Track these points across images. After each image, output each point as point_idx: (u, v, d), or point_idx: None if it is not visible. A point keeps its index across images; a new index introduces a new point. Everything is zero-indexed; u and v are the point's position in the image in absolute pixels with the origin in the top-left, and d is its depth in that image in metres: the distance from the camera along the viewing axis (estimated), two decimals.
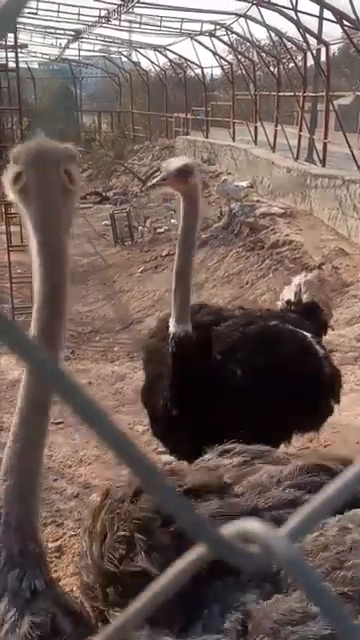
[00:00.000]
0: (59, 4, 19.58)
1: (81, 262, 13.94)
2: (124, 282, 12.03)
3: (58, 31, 24.50)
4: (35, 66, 34.71)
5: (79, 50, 29.37)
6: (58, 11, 20.10)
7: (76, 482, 4.37)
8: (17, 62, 10.51)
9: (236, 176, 17.00)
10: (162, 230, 14.82)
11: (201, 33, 20.68)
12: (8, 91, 12.83)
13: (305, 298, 3.50)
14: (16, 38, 10.32)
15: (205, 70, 24.17)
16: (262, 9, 15.62)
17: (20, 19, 17.23)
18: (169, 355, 2.82)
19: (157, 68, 28.30)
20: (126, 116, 31.61)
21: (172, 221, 15.59)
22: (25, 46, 13.14)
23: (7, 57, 10.96)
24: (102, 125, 33.17)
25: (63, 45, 27.77)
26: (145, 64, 29.49)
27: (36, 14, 20.27)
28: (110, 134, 29.70)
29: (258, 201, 13.21)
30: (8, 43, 10.49)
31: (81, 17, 20.62)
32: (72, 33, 24.35)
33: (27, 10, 19.51)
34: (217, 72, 27.30)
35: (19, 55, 11.06)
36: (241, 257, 10.68)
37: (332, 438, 4.53)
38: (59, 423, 5.36)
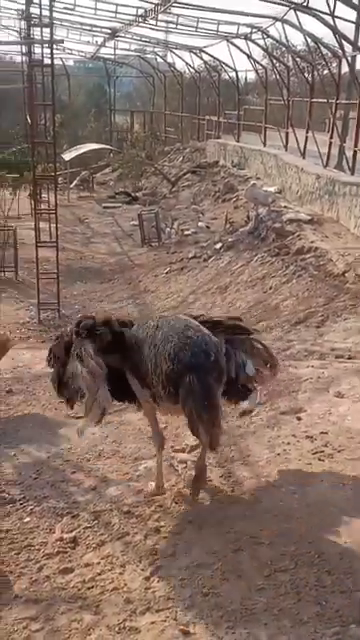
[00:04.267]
0: (96, 1, 19.74)
1: (108, 261, 14.11)
2: (149, 282, 12.14)
3: (94, 29, 24.69)
4: (70, 63, 35.04)
5: (115, 49, 29.58)
6: (95, 8, 20.24)
7: (93, 475, 4.46)
8: (52, 58, 10.62)
9: (265, 181, 17.00)
10: (189, 232, 14.92)
11: (237, 36, 20.70)
12: (43, 87, 13.05)
13: None
14: (52, 33, 10.45)
15: (239, 73, 24.21)
16: (299, 14, 15.60)
17: (57, 14, 17.40)
18: None
19: (191, 70, 28.38)
20: (158, 117, 31.75)
21: (199, 224, 15.68)
22: (61, 42, 13.26)
23: (43, 53, 11.09)
24: (134, 125, 33.38)
25: (99, 43, 28.00)
26: (180, 65, 29.62)
27: (73, 10, 20.44)
28: (142, 134, 29.88)
29: (285, 207, 13.21)
30: (44, 38, 10.62)
31: (118, 15, 20.74)
32: (108, 31, 24.53)
33: (63, 5, 19.75)
34: (251, 76, 27.25)
35: (55, 51, 11.18)
36: (266, 262, 10.71)
37: (347, 444, 4.56)
38: (79, 417, 5.48)
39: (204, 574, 3.30)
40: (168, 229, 15.62)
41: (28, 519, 3.97)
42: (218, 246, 12.48)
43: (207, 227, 15.35)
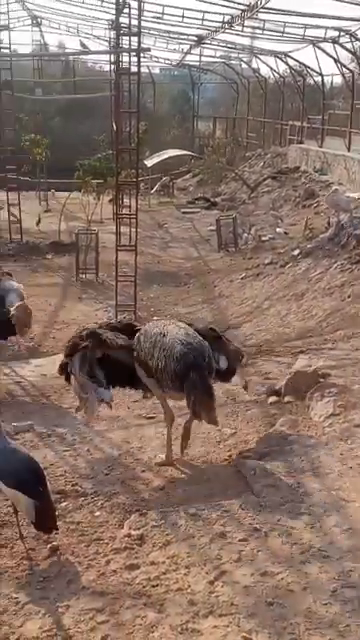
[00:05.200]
0: (184, 9, 20.03)
1: (184, 265, 14.23)
2: (224, 287, 12.14)
3: (181, 36, 25.06)
4: (156, 71, 35.72)
5: (200, 56, 29.88)
6: (182, 16, 20.54)
7: (162, 475, 4.53)
8: (139, 66, 10.87)
9: (348, 187, 16.57)
10: (266, 238, 14.79)
11: (324, 40, 20.34)
12: (129, 95, 13.39)
13: None
14: (139, 42, 10.70)
15: (325, 78, 23.77)
16: None
17: (145, 23, 17.77)
18: None
19: (276, 75, 28.18)
20: (241, 123, 31.73)
21: (277, 229, 15.52)
22: (148, 50, 13.55)
23: (130, 61, 11.38)
24: (216, 131, 33.52)
25: (185, 50, 28.38)
26: (264, 71, 29.47)
27: (161, 18, 20.83)
28: (223, 140, 29.94)
29: None
30: (132, 47, 10.88)
31: (205, 22, 20.95)
32: (194, 38, 24.81)
33: (152, 15, 20.16)
34: (337, 80, 26.72)
35: (142, 59, 11.43)
36: (345, 270, 10.44)
37: None
38: (151, 417, 5.58)
39: (269, 583, 3.27)
40: (245, 234, 15.57)
41: (98, 513, 4.09)
42: (296, 252, 12.30)
43: (285, 233, 15.17)
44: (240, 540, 3.62)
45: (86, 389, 4.70)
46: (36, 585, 3.41)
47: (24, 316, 6.64)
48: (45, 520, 3.62)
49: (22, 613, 3.20)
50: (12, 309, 6.54)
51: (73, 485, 4.48)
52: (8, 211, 15.30)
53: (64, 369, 4.88)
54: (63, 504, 4.20)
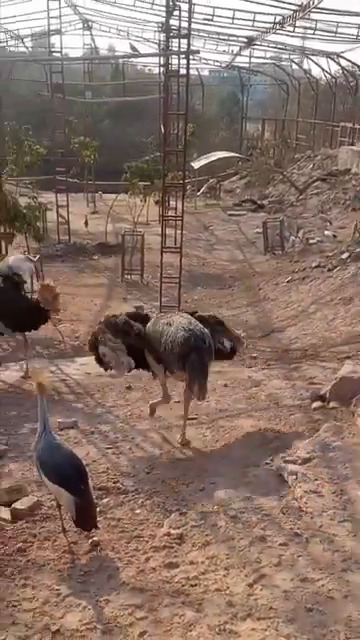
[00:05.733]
0: (234, 10, 19.94)
1: (229, 268, 14.19)
2: (269, 290, 12.04)
3: (231, 38, 24.98)
4: (205, 73, 35.75)
5: (250, 57, 29.72)
6: (233, 17, 20.44)
7: (203, 476, 4.54)
8: (188, 68, 10.89)
9: None
10: (314, 241, 14.58)
11: None
12: (178, 97, 13.44)
13: None
14: (189, 44, 10.72)
15: None
16: None
17: (195, 25, 17.80)
18: None
19: (328, 76, 27.78)
20: (290, 124, 31.42)
21: (326, 232, 15.29)
22: (197, 52, 13.56)
23: (179, 63, 11.41)
24: (265, 133, 33.29)
25: (235, 52, 28.29)
26: (315, 72, 29.10)
27: (211, 20, 20.82)
28: (272, 142, 29.71)
29: None
30: (181, 49, 10.92)
31: (255, 23, 20.82)
32: (245, 40, 24.71)
33: (203, 16, 20.18)
34: None
35: (191, 61, 11.45)
36: None
37: None
38: (192, 419, 5.60)
39: (309, 589, 3.23)
40: (292, 237, 15.39)
41: (139, 511, 4.13)
42: (345, 256, 12.08)
43: (334, 236, 14.92)
44: (280, 544, 3.60)
45: (115, 356, 5.39)
46: (77, 578, 3.47)
47: (50, 295, 6.47)
48: (85, 518, 3.67)
49: (63, 605, 3.26)
50: (35, 294, 6.39)
51: (115, 482, 4.54)
52: (57, 212, 15.61)
53: (94, 344, 5.44)
54: (105, 500, 4.26)
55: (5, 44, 27.09)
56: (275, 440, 5.07)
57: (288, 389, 6.34)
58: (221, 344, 5.48)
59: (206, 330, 5.24)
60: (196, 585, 3.34)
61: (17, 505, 4.14)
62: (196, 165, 22.56)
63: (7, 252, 9.02)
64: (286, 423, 5.41)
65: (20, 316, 6.59)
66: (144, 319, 5.56)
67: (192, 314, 5.54)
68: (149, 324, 5.43)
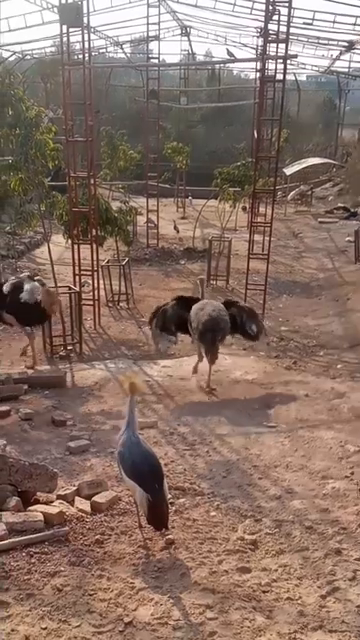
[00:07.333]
0: (335, 14, 19.50)
1: (317, 276, 13.93)
2: (358, 301, 11.70)
3: (330, 42, 24.48)
4: (303, 78, 35.23)
5: (349, 62, 28.97)
6: (334, 21, 20.01)
7: (280, 485, 4.52)
8: (284, 73, 10.78)
9: None
10: None
11: None
12: (273, 102, 13.34)
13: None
14: (287, 49, 10.63)
15: None
16: None
17: (294, 29, 17.56)
18: None
19: None
20: None
21: None
22: (295, 57, 13.40)
23: (276, 68, 11.33)
24: None
25: (334, 57, 27.70)
26: None
27: (311, 24, 20.48)
28: None
29: None
30: (279, 54, 10.83)
31: (356, 27, 20.27)
32: (345, 44, 24.14)
33: (302, 20, 19.90)
34: None
35: (288, 66, 11.35)
36: None
37: None
38: (272, 427, 5.58)
39: None
40: None
41: (214, 513, 4.18)
42: None
43: None
44: (356, 559, 3.53)
45: (158, 336, 7.32)
46: (151, 574, 3.57)
47: (51, 300, 7.58)
48: (156, 517, 3.74)
49: (136, 598, 3.37)
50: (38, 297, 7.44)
51: (191, 483, 4.61)
52: (147, 217, 15.95)
53: (152, 320, 7.37)
54: (181, 500, 4.35)
55: (105, 50, 28.07)
56: (356, 454, 4.95)
57: None
58: (250, 329, 7.09)
59: (226, 317, 6.82)
60: (268, 592, 3.34)
61: (97, 498, 4.27)
62: (288, 171, 22.30)
63: (97, 254, 9.37)
64: None
65: (27, 314, 7.74)
66: (195, 301, 7.21)
67: (228, 303, 7.22)
68: (193, 307, 7.02)
